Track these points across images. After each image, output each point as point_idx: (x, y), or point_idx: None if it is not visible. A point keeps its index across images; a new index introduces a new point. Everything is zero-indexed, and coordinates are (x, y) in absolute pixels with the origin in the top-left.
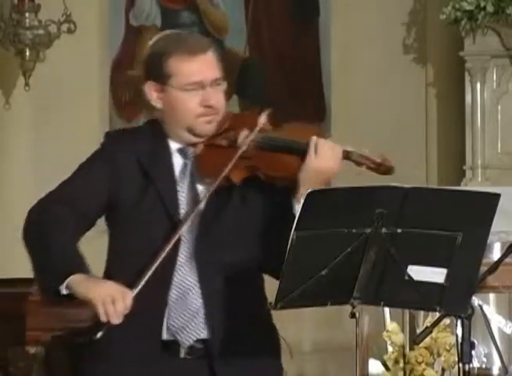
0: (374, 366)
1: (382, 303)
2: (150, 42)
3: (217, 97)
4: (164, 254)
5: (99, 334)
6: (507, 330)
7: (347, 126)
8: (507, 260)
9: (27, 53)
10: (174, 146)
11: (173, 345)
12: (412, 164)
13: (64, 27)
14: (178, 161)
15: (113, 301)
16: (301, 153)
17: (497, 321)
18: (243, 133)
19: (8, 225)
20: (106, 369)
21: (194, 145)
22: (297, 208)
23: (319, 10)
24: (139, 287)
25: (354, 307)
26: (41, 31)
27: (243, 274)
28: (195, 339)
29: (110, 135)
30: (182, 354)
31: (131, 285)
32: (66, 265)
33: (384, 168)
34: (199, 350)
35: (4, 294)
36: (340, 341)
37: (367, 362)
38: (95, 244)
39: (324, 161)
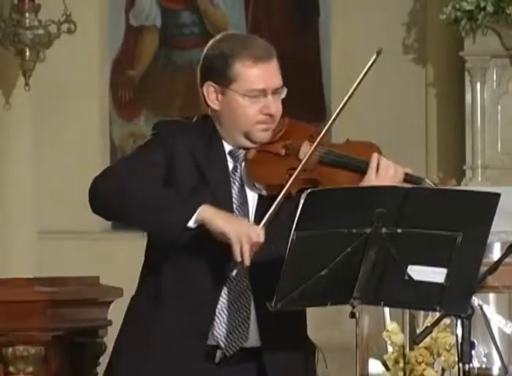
0: (374, 366)
1: (382, 303)
2: (211, 42)
3: (277, 105)
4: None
5: (234, 273)
6: (507, 330)
7: (347, 126)
8: (507, 260)
9: (27, 53)
10: (226, 146)
11: (211, 349)
12: (412, 164)
13: (64, 27)
14: (229, 163)
15: (249, 240)
16: (362, 170)
17: (497, 321)
18: (306, 145)
19: (8, 225)
20: (143, 368)
21: (246, 148)
22: None
23: (319, 10)
24: (265, 224)
25: (354, 307)
26: (41, 31)
27: None
28: (238, 348)
29: (163, 124)
30: (217, 359)
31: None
32: (186, 199)
33: None
34: (233, 356)
35: (4, 294)
36: (340, 341)
37: (367, 362)
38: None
39: (384, 182)
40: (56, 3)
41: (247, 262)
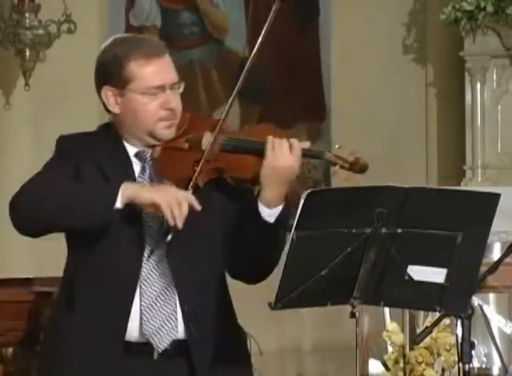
0: (374, 366)
1: (382, 303)
2: (103, 47)
3: (177, 100)
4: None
5: (169, 237)
6: (507, 330)
7: (347, 126)
8: (507, 260)
9: (27, 53)
10: (131, 150)
11: (146, 346)
12: (412, 164)
13: (64, 27)
14: (136, 165)
15: (178, 203)
16: (260, 152)
17: (497, 321)
18: (207, 136)
19: (8, 225)
20: (64, 371)
21: (152, 147)
22: (263, 209)
23: (319, 10)
24: (191, 188)
25: (354, 307)
26: (41, 31)
27: (212, 276)
28: (169, 342)
29: (64, 138)
30: (155, 355)
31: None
32: (106, 183)
33: (358, 167)
34: (170, 350)
35: (4, 294)
36: (340, 341)
37: (367, 362)
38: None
39: (281, 160)
40: (56, 3)
41: (180, 224)
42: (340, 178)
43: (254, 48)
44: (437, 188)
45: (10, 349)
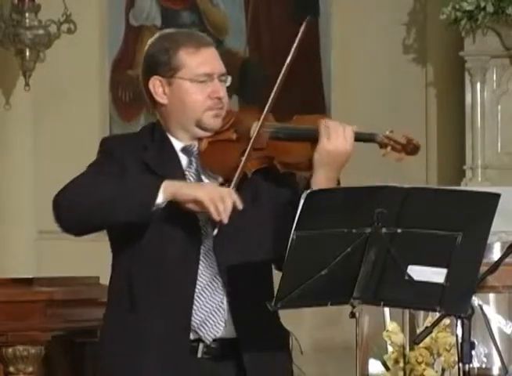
0: (374, 366)
1: (382, 303)
2: (151, 40)
3: (224, 91)
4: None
5: (215, 232)
6: (507, 330)
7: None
8: (507, 260)
9: (27, 53)
10: (177, 145)
11: (193, 344)
12: (412, 164)
13: (64, 27)
14: (183, 160)
15: (221, 198)
16: (313, 138)
17: (497, 321)
18: (254, 125)
19: (8, 225)
20: (126, 368)
21: (198, 140)
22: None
23: (319, 10)
24: (235, 185)
25: (354, 307)
26: (41, 31)
27: (258, 270)
28: (216, 335)
29: (109, 140)
30: (200, 354)
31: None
32: (149, 179)
33: (411, 147)
34: (215, 349)
35: (4, 294)
36: (340, 341)
37: (367, 362)
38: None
39: (337, 143)
40: (56, 3)
41: (225, 219)
42: (393, 159)
43: (254, 47)
44: (437, 188)
45: (10, 349)
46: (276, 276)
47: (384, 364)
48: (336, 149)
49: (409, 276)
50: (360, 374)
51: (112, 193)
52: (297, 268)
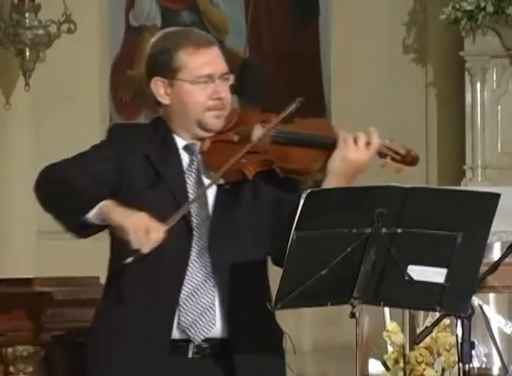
0: (374, 366)
1: (382, 303)
2: (153, 39)
3: (226, 91)
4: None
5: (129, 260)
6: (507, 330)
7: (346, 126)
8: (507, 260)
9: (27, 53)
10: (180, 142)
11: (182, 344)
12: None
13: (64, 27)
14: (184, 158)
15: (146, 230)
16: (322, 146)
17: (497, 321)
18: (257, 128)
19: (7, 225)
20: (110, 369)
21: (201, 140)
22: None
23: (319, 10)
24: (172, 223)
25: (354, 307)
26: (41, 31)
27: (253, 270)
28: (206, 335)
29: (117, 127)
30: (190, 354)
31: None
32: (96, 193)
33: (410, 159)
34: (206, 349)
35: (4, 294)
36: (340, 341)
37: (367, 362)
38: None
39: (356, 154)
40: (56, 3)
41: (145, 250)
42: (393, 170)
43: (254, 47)
44: (437, 188)
45: (10, 349)
46: (276, 276)
47: (384, 364)
48: (357, 159)
49: (409, 276)
50: (360, 374)
51: (68, 187)
52: (297, 268)
